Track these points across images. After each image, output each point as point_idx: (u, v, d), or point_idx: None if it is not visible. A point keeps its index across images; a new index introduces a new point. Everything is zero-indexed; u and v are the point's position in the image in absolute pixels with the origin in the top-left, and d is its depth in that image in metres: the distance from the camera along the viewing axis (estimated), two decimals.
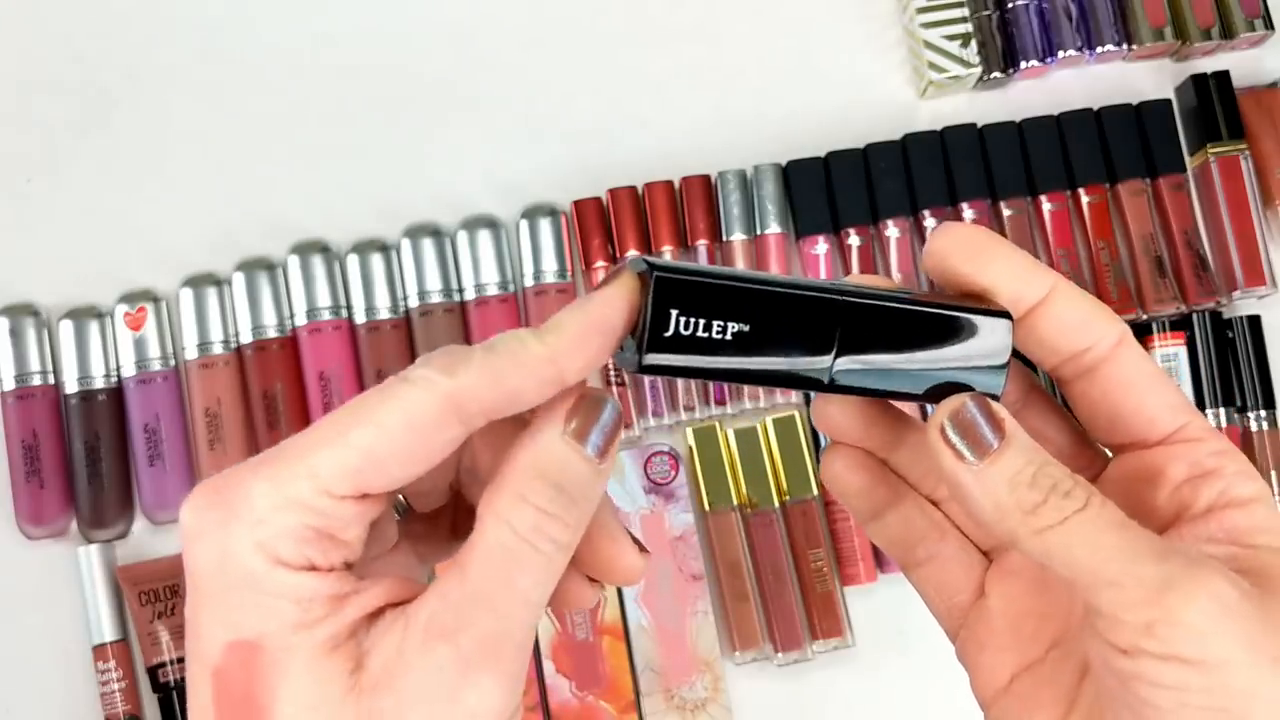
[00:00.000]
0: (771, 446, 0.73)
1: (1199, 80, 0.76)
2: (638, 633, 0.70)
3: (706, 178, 0.75)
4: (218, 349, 0.72)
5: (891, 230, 0.74)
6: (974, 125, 0.76)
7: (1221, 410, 0.73)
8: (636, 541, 0.31)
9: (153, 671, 0.70)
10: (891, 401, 0.32)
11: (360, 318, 0.73)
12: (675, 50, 0.78)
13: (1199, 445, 0.30)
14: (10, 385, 0.71)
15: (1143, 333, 0.74)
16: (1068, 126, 0.76)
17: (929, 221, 0.74)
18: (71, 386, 0.71)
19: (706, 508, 0.72)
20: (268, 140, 0.76)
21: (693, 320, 0.28)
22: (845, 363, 0.29)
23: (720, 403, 0.73)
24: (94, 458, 0.71)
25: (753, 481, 0.72)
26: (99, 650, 0.70)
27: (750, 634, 0.71)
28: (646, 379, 0.72)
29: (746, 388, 0.71)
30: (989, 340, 0.30)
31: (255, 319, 0.72)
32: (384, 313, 0.72)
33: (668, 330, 0.28)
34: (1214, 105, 0.75)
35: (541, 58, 0.78)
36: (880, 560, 0.72)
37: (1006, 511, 0.28)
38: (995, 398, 0.30)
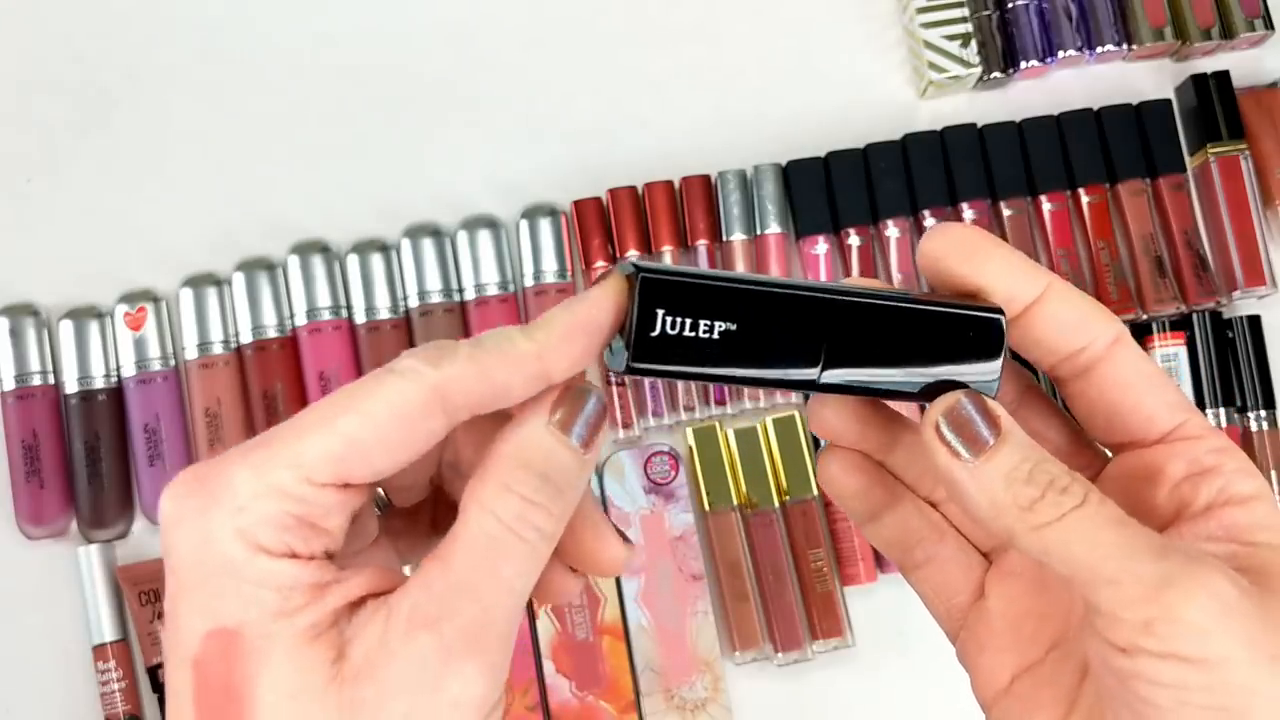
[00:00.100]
0: (771, 446, 0.73)
1: (1199, 80, 0.76)
2: (638, 633, 0.70)
3: (706, 178, 0.75)
4: (218, 349, 0.72)
5: (891, 230, 0.74)
6: (974, 125, 0.76)
7: (1221, 410, 0.73)
8: (619, 532, 0.31)
9: (153, 671, 0.70)
10: (886, 402, 0.32)
11: (360, 318, 0.73)
12: (675, 50, 0.78)
13: (1198, 443, 0.30)
14: (10, 385, 0.71)
15: (1143, 333, 0.74)
16: (1068, 126, 0.76)
17: (929, 221, 0.74)
18: (71, 386, 0.71)
19: (706, 508, 0.72)
20: (268, 140, 0.76)
21: (679, 320, 0.28)
22: (836, 362, 0.29)
23: (720, 403, 0.73)
24: (94, 458, 0.71)
25: (753, 481, 0.72)
26: (99, 650, 0.70)
27: (750, 634, 0.71)
28: (646, 378, 0.72)
29: (746, 388, 0.71)
30: (982, 339, 0.30)
31: (255, 319, 0.72)
32: (384, 313, 0.72)
33: (654, 330, 0.28)
34: (1214, 105, 0.75)
35: (541, 58, 0.78)
36: (880, 560, 0.72)
37: (1003, 508, 0.28)
38: (990, 396, 0.30)
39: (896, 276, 0.74)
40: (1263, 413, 0.73)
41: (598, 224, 0.74)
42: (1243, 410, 0.74)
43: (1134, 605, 0.26)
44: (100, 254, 0.74)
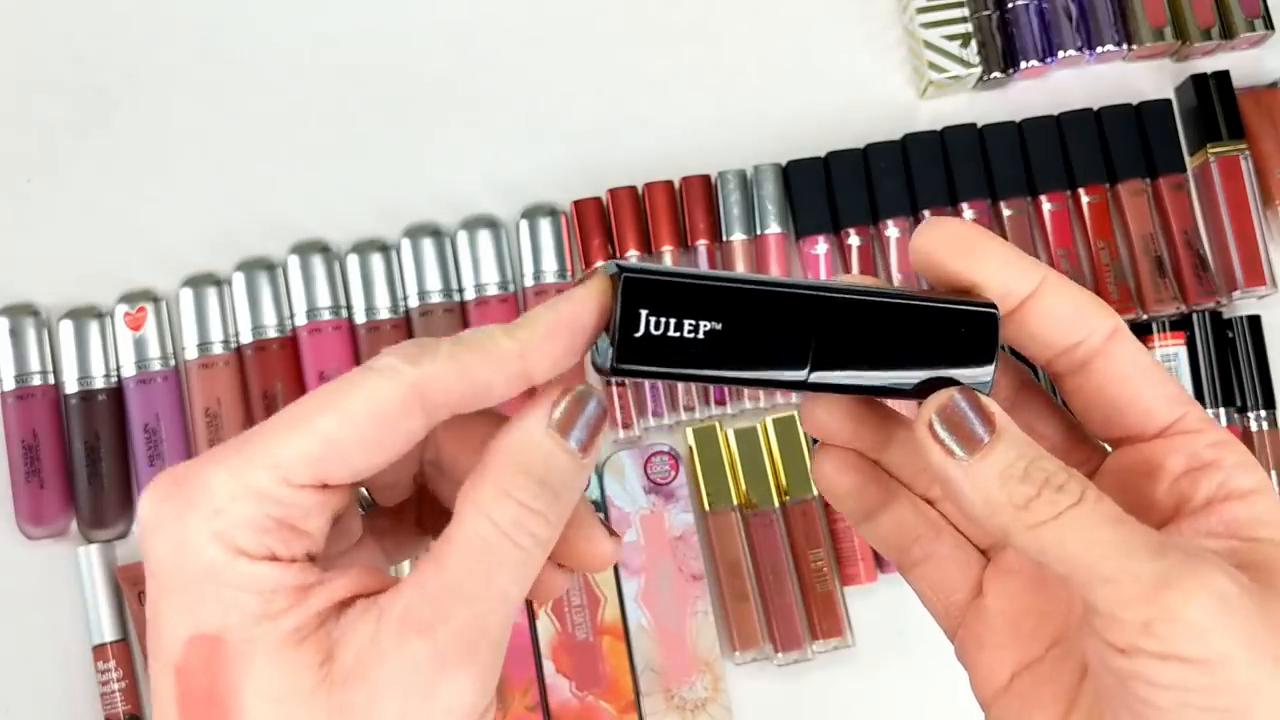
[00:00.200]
0: (771, 446, 0.73)
1: (1199, 80, 0.76)
2: (638, 633, 0.70)
3: (706, 178, 0.75)
4: (218, 349, 0.72)
5: (891, 230, 0.74)
6: (974, 125, 0.76)
7: (1221, 410, 0.73)
8: (607, 527, 0.30)
9: None
10: (880, 399, 0.32)
11: (360, 318, 0.73)
12: (675, 50, 0.78)
13: (1197, 437, 0.29)
14: (10, 385, 0.71)
15: (1143, 333, 0.74)
16: (1068, 126, 0.76)
17: None
18: (71, 386, 0.71)
19: (706, 508, 0.72)
20: (268, 140, 0.76)
21: (663, 320, 0.27)
22: (825, 361, 0.29)
23: (720, 403, 0.73)
24: (94, 458, 0.71)
25: (753, 481, 0.72)
26: (99, 650, 0.70)
27: (750, 634, 0.71)
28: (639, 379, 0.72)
29: (744, 388, 0.71)
30: (976, 335, 0.29)
31: (255, 319, 0.72)
32: (384, 313, 0.72)
33: (638, 331, 0.27)
34: (1214, 105, 0.75)
35: (541, 58, 0.78)
36: (880, 560, 0.72)
37: (998, 507, 0.27)
38: (984, 393, 0.29)
39: (896, 276, 0.74)
40: (1263, 413, 0.73)
41: (598, 224, 0.74)
42: (1243, 410, 0.74)
43: (1133, 605, 0.26)
44: (100, 254, 0.74)
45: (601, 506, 0.72)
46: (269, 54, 0.77)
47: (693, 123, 0.77)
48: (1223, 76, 0.76)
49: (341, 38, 0.78)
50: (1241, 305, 0.76)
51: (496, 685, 0.28)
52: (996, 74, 0.76)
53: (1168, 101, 0.77)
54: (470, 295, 0.73)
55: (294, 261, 0.73)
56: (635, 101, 0.77)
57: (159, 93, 0.77)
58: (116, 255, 0.74)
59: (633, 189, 0.75)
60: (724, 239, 0.74)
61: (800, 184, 0.75)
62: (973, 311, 0.29)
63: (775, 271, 0.74)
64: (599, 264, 0.72)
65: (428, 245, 0.73)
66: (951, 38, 0.75)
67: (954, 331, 0.29)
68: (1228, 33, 0.76)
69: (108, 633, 0.70)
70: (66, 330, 0.72)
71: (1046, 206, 0.75)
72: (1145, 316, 0.74)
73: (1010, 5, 0.76)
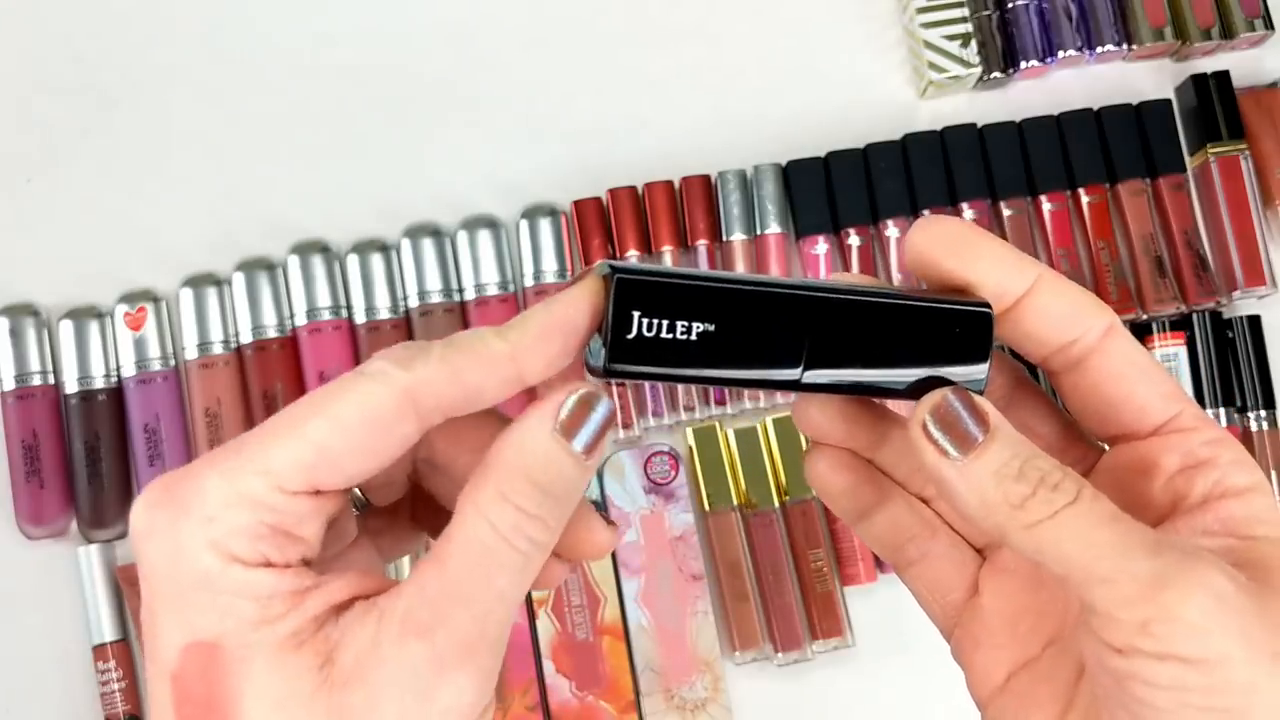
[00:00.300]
0: (771, 446, 0.73)
1: (1199, 80, 0.76)
2: (638, 633, 0.70)
3: (706, 178, 0.75)
4: (218, 349, 0.72)
5: (891, 230, 0.74)
6: (974, 125, 0.76)
7: (1221, 410, 0.73)
8: (604, 517, 0.30)
9: None
10: (873, 399, 0.32)
11: (360, 318, 0.73)
12: (675, 50, 0.78)
13: (1192, 434, 0.29)
14: (10, 385, 0.71)
15: (1143, 333, 0.74)
16: (1068, 126, 0.76)
17: None
18: (71, 386, 0.71)
19: (706, 508, 0.72)
20: (268, 140, 0.76)
21: (655, 321, 0.27)
22: (818, 361, 0.29)
23: (720, 403, 0.73)
24: (94, 458, 0.71)
25: (753, 481, 0.72)
26: (99, 650, 0.70)
27: (750, 634, 0.71)
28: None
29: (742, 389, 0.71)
30: (970, 335, 0.29)
31: (255, 319, 0.72)
32: (384, 313, 0.72)
33: (630, 332, 0.27)
34: (1214, 105, 0.75)
35: (541, 58, 0.78)
36: (880, 560, 0.72)
37: (993, 506, 0.27)
38: (978, 392, 0.29)
39: (896, 276, 0.74)
40: (1263, 413, 0.73)
41: (598, 224, 0.74)
42: (1243, 410, 0.74)
43: (1130, 605, 0.25)
44: (100, 254, 0.74)
45: (602, 506, 0.72)
46: (269, 54, 0.77)
47: (693, 123, 0.77)
48: (1223, 76, 0.76)
49: (341, 38, 0.78)
50: (1241, 305, 0.76)
51: (495, 685, 0.28)
52: (996, 74, 0.76)
53: (1168, 101, 0.77)
54: (470, 295, 0.73)
55: (294, 261, 0.73)
56: (635, 101, 0.77)
57: (159, 93, 0.77)
58: (116, 255, 0.74)
59: (633, 189, 0.75)
60: (724, 239, 0.74)
61: (800, 184, 0.75)
62: (967, 311, 0.29)
63: (775, 271, 0.74)
64: (594, 264, 0.73)
65: (428, 245, 0.73)
66: (951, 38, 0.75)
67: (948, 331, 0.29)
68: (1228, 33, 0.76)
69: (108, 633, 0.70)
70: (66, 330, 0.72)
71: (1046, 206, 0.75)
72: (1145, 316, 0.74)
73: (1010, 5, 0.76)
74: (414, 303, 0.73)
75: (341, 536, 0.31)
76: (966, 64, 0.75)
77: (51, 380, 0.72)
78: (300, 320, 0.72)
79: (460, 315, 0.73)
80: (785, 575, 0.71)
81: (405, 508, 0.33)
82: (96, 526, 0.71)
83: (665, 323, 0.27)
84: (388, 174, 0.76)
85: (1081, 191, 0.75)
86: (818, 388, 0.29)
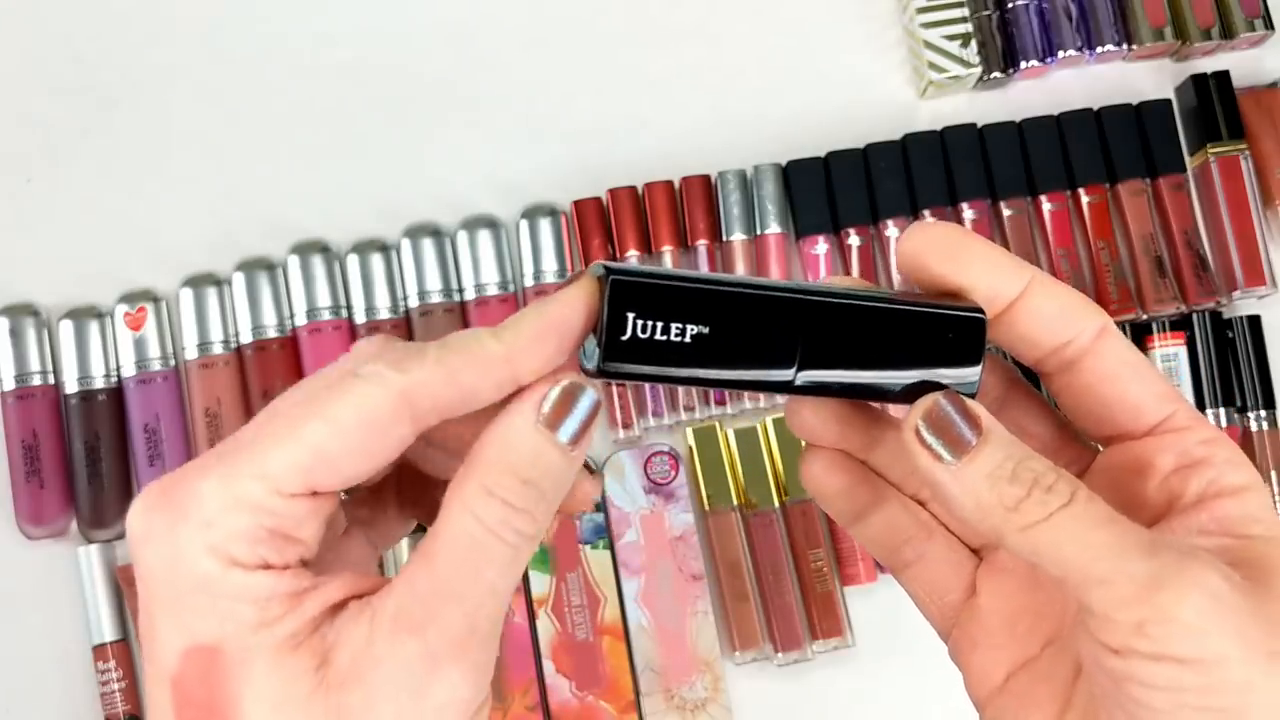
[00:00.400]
0: (771, 446, 0.73)
1: (1199, 80, 0.76)
2: (638, 633, 0.70)
3: (706, 178, 0.75)
4: (218, 349, 0.72)
5: (891, 230, 0.74)
6: (974, 125, 0.76)
7: (1221, 410, 0.73)
8: (587, 466, 0.30)
9: None
10: (866, 402, 0.32)
11: (360, 318, 0.73)
12: (675, 50, 0.78)
13: (1187, 434, 0.29)
14: (10, 385, 0.71)
15: (1143, 333, 0.74)
16: (1068, 126, 0.76)
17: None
18: (71, 386, 0.71)
19: (706, 508, 0.72)
20: (268, 140, 0.76)
21: (650, 323, 0.27)
22: (812, 363, 0.29)
23: (720, 403, 0.73)
24: (94, 458, 0.71)
25: (753, 481, 0.72)
26: (99, 650, 0.70)
27: (750, 634, 0.71)
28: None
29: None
30: (963, 339, 0.29)
31: (255, 319, 0.72)
32: (384, 313, 0.72)
33: (625, 334, 0.27)
34: (1214, 105, 0.75)
35: (541, 58, 0.78)
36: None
37: (989, 509, 0.27)
38: (971, 396, 0.29)
39: (896, 277, 0.74)
40: (1263, 413, 0.73)
41: (598, 224, 0.74)
42: (1243, 410, 0.74)
43: (1126, 606, 0.25)
44: (100, 254, 0.74)
45: (601, 506, 0.72)
46: (269, 54, 0.77)
47: (693, 123, 0.77)
48: (1223, 76, 0.76)
49: (341, 38, 0.78)
50: (1241, 305, 0.76)
51: (491, 680, 0.28)
52: (996, 74, 0.76)
53: (1168, 101, 0.77)
54: (470, 295, 0.73)
55: (294, 261, 0.73)
56: (635, 101, 0.77)
57: (159, 93, 0.77)
58: (116, 255, 0.74)
59: (633, 189, 0.75)
60: (724, 239, 0.74)
61: (800, 184, 0.75)
62: (959, 316, 0.29)
63: (775, 272, 0.74)
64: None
65: (428, 245, 0.73)
66: (951, 38, 0.75)
67: (941, 335, 0.29)
68: (1228, 33, 0.76)
69: (108, 633, 0.70)
70: (66, 330, 0.72)
71: (1046, 206, 0.75)
72: (1145, 316, 0.74)
73: (1010, 5, 0.76)
74: (414, 303, 0.73)
75: (334, 529, 0.31)
76: (966, 64, 0.75)
77: (51, 380, 0.72)
78: (300, 320, 0.72)
79: (460, 315, 0.73)
80: (785, 575, 0.71)
81: (391, 488, 0.33)
82: (96, 526, 0.71)
83: (660, 324, 0.27)
84: (388, 174, 0.76)
85: (1081, 191, 0.75)
86: (811, 390, 0.29)
